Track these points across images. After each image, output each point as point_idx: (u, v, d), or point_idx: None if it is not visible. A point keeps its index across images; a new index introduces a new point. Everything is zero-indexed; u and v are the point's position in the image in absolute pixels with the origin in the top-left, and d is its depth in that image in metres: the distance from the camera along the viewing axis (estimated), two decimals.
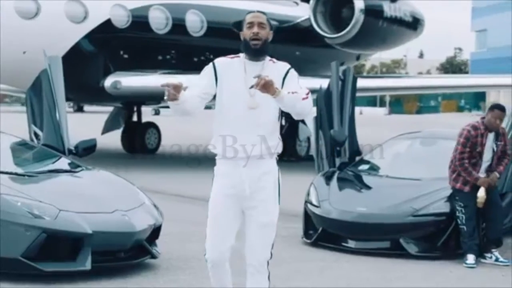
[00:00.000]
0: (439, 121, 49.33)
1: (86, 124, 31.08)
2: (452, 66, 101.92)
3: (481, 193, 9.24)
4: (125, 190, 8.90)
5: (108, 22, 20.87)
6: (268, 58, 5.67)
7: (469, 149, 9.34)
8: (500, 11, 65.54)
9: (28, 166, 9.28)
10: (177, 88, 5.36)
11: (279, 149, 5.71)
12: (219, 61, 5.66)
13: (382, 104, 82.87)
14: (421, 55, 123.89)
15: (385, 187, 10.37)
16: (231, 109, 5.57)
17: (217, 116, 5.66)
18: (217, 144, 5.67)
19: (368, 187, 10.59)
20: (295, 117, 5.69)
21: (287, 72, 5.60)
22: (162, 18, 22.19)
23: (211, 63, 5.65)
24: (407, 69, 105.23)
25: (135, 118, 25.43)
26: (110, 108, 26.73)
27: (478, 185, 9.27)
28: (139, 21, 21.62)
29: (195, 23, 22.97)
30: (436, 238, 9.59)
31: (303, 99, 5.43)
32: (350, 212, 9.86)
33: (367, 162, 11.44)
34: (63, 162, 9.47)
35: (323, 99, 11.68)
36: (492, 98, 70.37)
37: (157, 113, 50.34)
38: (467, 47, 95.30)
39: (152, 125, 25.41)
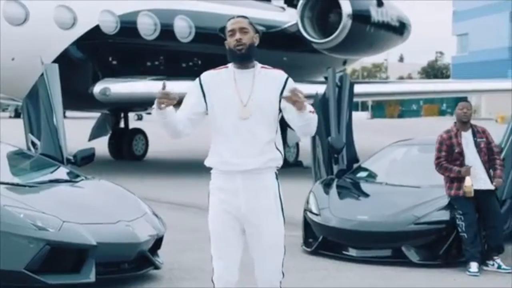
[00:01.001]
0: (421, 125, 49.52)
1: (69, 131, 30.93)
2: (433, 70, 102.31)
3: (468, 182, 9.15)
4: (126, 200, 8.81)
5: (96, 28, 20.73)
6: (259, 65, 5.39)
7: (445, 152, 9.35)
8: (482, 15, 65.96)
9: (26, 176, 9.18)
10: (171, 96, 5.11)
11: (279, 162, 5.37)
12: (205, 75, 5.38)
13: (364, 108, 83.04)
14: (401, 59, 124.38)
15: (385, 195, 10.33)
16: (225, 121, 5.27)
17: (212, 130, 5.36)
18: (212, 157, 5.36)
19: (368, 195, 10.54)
20: (301, 134, 5.45)
21: (286, 82, 5.29)
22: (151, 24, 22.08)
23: (196, 80, 5.36)
24: (388, 73, 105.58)
25: (122, 125, 25.27)
26: (92, 114, 26.56)
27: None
28: (128, 27, 21.49)
29: (183, 29, 22.89)
30: (438, 246, 9.52)
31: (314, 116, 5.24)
32: (351, 220, 9.80)
33: (365, 170, 11.39)
34: (62, 172, 9.36)
35: (319, 105, 11.62)
36: (473, 102, 70.83)
37: (139, 118, 50.23)
38: (447, 51, 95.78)
39: (139, 132, 25.29)
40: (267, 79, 5.31)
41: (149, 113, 31.60)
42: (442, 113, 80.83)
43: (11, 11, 18.85)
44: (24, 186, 8.54)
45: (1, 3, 18.64)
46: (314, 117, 5.23)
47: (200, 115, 5.36)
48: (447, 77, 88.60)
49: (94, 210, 8.25)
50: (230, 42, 5.30)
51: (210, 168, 5.41)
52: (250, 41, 5.30)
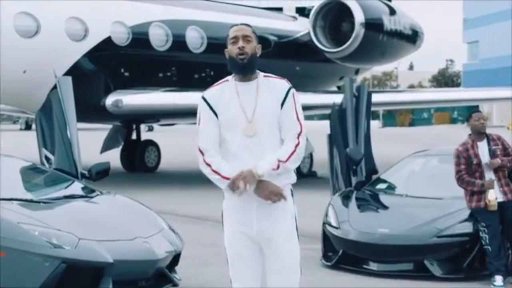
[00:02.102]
0: (433, 134, 49.32)
1: (81, 142, 30.81)
2: (444, 78, 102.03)
3: (491, 196, 8.95)
4: (143, 215, 8.63)
5: (108, 40, 20.64)
6: (262, 74, 5.13)
7: (464, 165, 9.14)
8: (492, 22, 65.72)
9: (40, 191, 9.02)
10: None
11: (292, 178, 5.16)
12: (208, 94, 5.11)
13: (375, 117, 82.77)
14: (411, 67, 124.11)
15: (406, 207, 10.14)
16: (232, 139, 5.05)
17: (221, 148, 5.11)
18: None
19: (388, 207, 10.36)
20: None
21: (287, 95, 5.07)
22: (162, 35, 21.99)
23: (202, 101, 5.09)
24: (398, 81, 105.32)
25: (134, 136, 25.13)
26: (104, 126, 26.44)
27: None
28: (140, 38, 21.40)
29: (195, 40, 22.80)
30: (461, 259, 9.34)
31: (291, 154, 5.03)
32: (372, 233, 9.62)
33: (384, 181, 11.20)
34: (77, 187, 9.20)
35: (336, 116, 11.47)
36: (485, 109, 70.54)
37: (150, 129, 50.13)
38: (458, 59, 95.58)
39: (151, 143, 25.14)
40: (270, 89, 5.09)
41: (162, 125, 31.53)
42: (453, 121, 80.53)
43: (22, 23, 18.75)
44: (39, 202, 8.37)
45: (12, 15, 18.52)
46: (295, 159, 5.06)
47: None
48: (458, 85, 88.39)
49: (111, 226, 8.09)
50: (232, 50, 5.06)
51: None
52: (252, 51, 5.08)
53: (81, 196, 8.89)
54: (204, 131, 5.09)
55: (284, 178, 5.08)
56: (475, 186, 9.06)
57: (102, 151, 24.25)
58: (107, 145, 24.72)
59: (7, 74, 18.21)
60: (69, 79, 10.33)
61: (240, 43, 5.03)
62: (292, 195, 5.17)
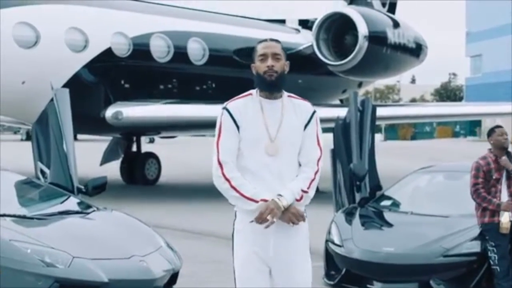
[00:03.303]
0: (436, 148, 49.13)
1: (81, 154, 30.62)
2: (446, 92, 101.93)
3: (505, 219, 8.74)
4: (140, 232, 8.40)
5: (108, 51, 20.45)
6: (286, 94, 5.02)
7: (482, 179, 8.90)
8: (495, 36, 65.63)
9: (35, 207, 8.83)
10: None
11: (307, 200, 5.04)
12: (233, 107, 4.95)
13: (377, 130, 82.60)
14: (413, 80, 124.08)
15: (412, 225, 9.89)
16: (252, 156, 4.91)
17: (238, 166, 4.95)
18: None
19: (393, 225, 10.11)
20: None
21: (311, 118, 5.01)
22: (164, 46, 21.81)
23: (225, 112, 4.94)
24: (401, 94, 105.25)
25: (134, 148, 24.89)
26: (104, 137, 26.24)
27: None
28: (140, 49, 21.22)
29: (197, 51, 22.60)
30: (468, 279, 9.11)
31: (311, 182, 5.00)
32: (377, 252, 9.36)
33: (389, 198, 10.95)
34: (73, 202, 8.99)
35: (340, 130, 11.23)
36: (488, 123, 70.33)
37: (151, 141, 49.92)
38: (461, 72, 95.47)
39: (152, 156, 24.87)
40: (296, 111, 5.00)
41: (162, 137, 31.32)
42: (455, 134, 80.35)
43: (21, 33, 18.54)
44: (32, 218, 8.16)
45: (11, 26, 18.31)
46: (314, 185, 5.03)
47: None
48: (460, 98, 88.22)
49: (106, 244, 7.86)
50: (260, 67, 4.92)
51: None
52: (281, 69, 4.95)
53: (77, 212, 8.70)
54: (225, 144, 4.94)
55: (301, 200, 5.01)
56: (490, 204, 8.83)
57: (101, 163, 24.09)
58: (107, 157, 24.51)
59: (6, 85, 18.02)
60: (66, 91, 10.11)
61: (270, 62, 4.91)
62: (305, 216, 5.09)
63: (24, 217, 8.12)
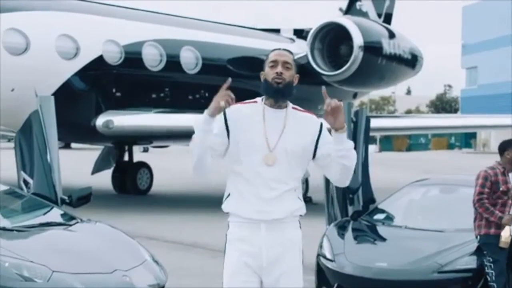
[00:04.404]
0: (431, 159, 49.01)
1: (73, 162, 30.39)
2: (442, 103, 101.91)
3: (506, 233, 8.51)
4: (124, 245, 8.13)
5: (100, 59, 20.20)
6: (291, 105, 4.94)
7: (488, 189, 8.68)
8: (491, 48, 65.69)
9: (16, 218, 8.55)
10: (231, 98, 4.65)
11: (303, 210, 4.99)
12: (231, 110, 4.85)
13: (372, 141, 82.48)
14: (408, 92, 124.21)
15: (406, 240, 9.63)
16: (247, 165, 4.82)
17: (232, 172, 4.88)
18: (233, 204, 4.87)
19: (387, 240, 9.84)
20: (337, 179, 4.97)
21: (320, 130, 4.91)
22: (156, 55, 21.59)
23: (221, 114, 4.85)
24: (396, 106, 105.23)
25: (126, 158, 24.62)
26: (98, 146, 25.98)
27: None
28: (132, 57, 20.98)
29: (190, 60, 22.39)
30: None
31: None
32: (369, 267, 9.09)
33: (383, 211, 10.70)
34: (56, 214, 8.73)
35: None
36: (483, 135, 70.27)
37: (145, 150, 49.65)
38: (456, 84, 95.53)
39: (143, 165, 24.62)
40: (301, 123, 4.88)
41: (155, 146, 31.03)
42: (451, 146, 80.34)
43: (11, 40, 18.27)
44: (12, 230, 7.86)
45: (1, 32, 18.04)
46: (353, 149, 4.86)
47: (220, 152, 4.87)
48: (456, 110, 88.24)
49: (88, 257, 7.59)
50: (269, 73, 4.85)
51: (217, 204, 5.00)
52: (290, 79, 4.86)
53: (59, 224, 8.43)
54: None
55: (296, 210, 4.93)
56: (492, 215, 8.60)
57: (93, 173, 23.91)
58: (98, 167, 24.29)
59: None
60: (51, 98, 9.82)
61: (279, 69, 4.85)
62: (299, 227, 5.02)
63: (4, 229, 7.83)
